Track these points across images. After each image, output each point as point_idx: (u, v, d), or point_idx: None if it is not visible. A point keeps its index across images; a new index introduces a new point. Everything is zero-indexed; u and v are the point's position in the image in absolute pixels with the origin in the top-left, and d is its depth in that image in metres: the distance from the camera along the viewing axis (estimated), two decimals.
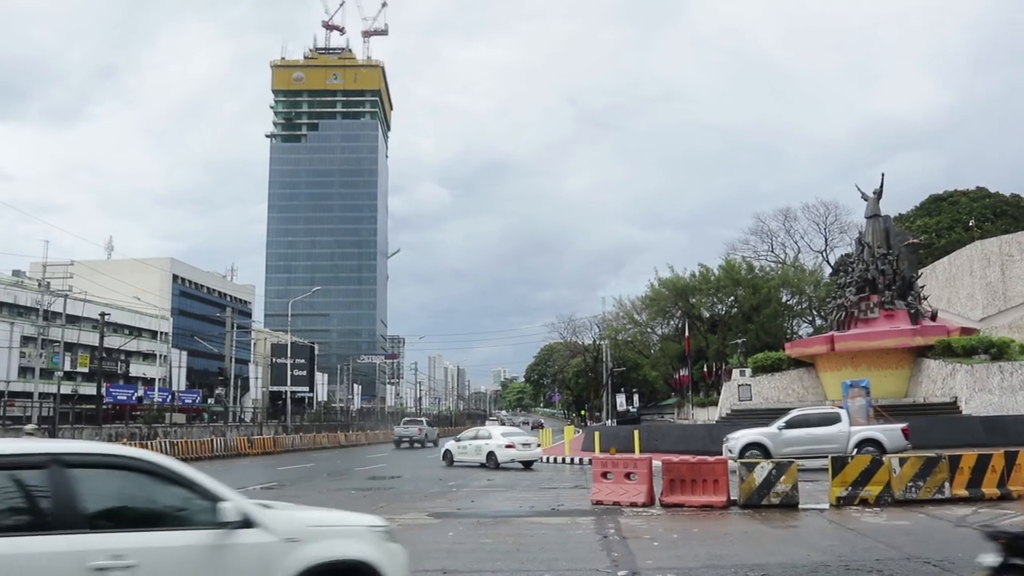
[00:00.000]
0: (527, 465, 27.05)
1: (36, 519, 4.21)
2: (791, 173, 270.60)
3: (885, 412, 23.73)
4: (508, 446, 26.84)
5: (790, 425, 21.70)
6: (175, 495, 4.71)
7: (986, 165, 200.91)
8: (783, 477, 13.14)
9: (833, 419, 21.45)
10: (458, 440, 29.85)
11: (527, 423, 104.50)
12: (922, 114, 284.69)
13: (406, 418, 62.77)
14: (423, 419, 61.32)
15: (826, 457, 19.61)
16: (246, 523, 4.74)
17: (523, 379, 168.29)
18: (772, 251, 74.89)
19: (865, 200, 36.69)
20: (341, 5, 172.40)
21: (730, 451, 21.24)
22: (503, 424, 63.88)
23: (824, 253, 72.19)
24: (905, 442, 19.94)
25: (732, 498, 13.43)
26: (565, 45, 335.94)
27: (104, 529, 4.35)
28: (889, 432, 20.50)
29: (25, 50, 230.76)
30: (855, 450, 19.95)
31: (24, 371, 59.06)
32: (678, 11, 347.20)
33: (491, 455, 26.65)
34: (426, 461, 32.11)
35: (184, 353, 78.19)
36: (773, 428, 21.96)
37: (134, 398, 63.81)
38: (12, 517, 4.17)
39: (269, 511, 5.06)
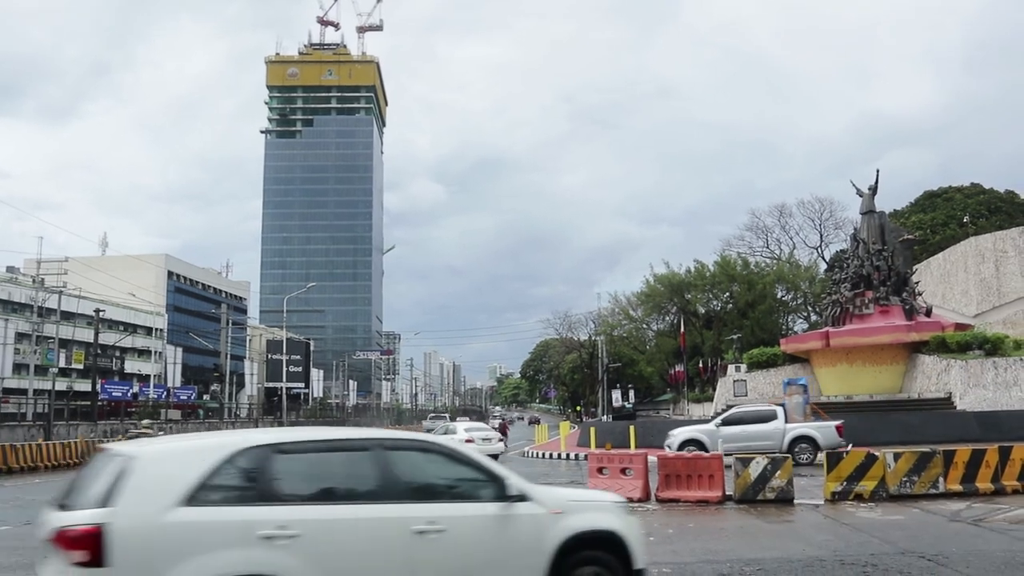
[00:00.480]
0: (493, 458, 27.44)
1: (370, 491, 5.21)
2: (787, 170, 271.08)
3: (821, 410, 24.25)
4: (468, 440, 27.93)
5: (727, 422, 22.24)
6: (467, 474, 5.67)
7: (980, 162, 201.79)
8: (778, 472, 13.17)
9: (769, 416, 21.98)
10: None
11: (522, 419, 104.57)
12: (917, 111, 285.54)
13: (432, 414, 74.84)
14: (446, 415, 73.78)
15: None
16: (522, 498, 5.62)
17: (519, 375, 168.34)
18: (767, 247, 75.09)
19: (860, 196, 36.72)
20: (336, 1, 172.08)
21: (669, 447, 21.62)
22: (504, 420, 65.42)
23: (819, 249, 72.41)
24: (839, 439, 20.41)
25: (727, 493, 13.46)
26: (561, 43, 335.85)
27: (419, 500, 5.33)
28: (823, 429, 21.04)
29: (20, 47, 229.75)
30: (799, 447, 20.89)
31: (18, 367, 58.91)
32: (674, 9, 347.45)
33: None
34: None
35: (179, 349, 78.04)
36: (711, 425, 22.57)
37: (129, 394, 63.80)
38: (353, 488, 5.26)
39: (539, 487, 5.97)
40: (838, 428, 20.95)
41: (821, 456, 16.64)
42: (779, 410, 22.48)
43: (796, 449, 20.83)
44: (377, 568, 5.03)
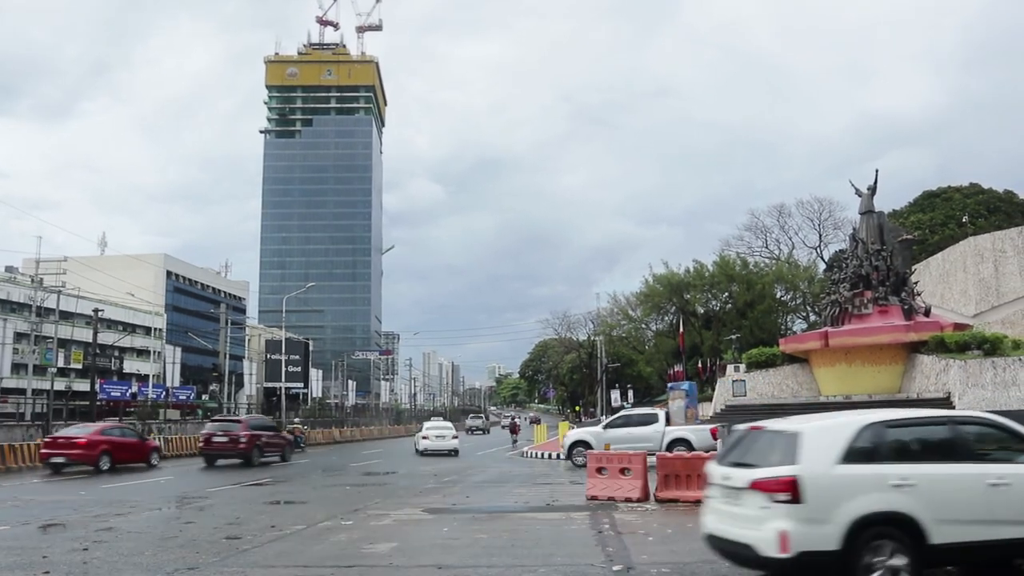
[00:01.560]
0: (453, 453, 33.26)
1: (953, 454, 6.88)
2: (786, 170, 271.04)
3: (693, 413, 26.26)
4: (424, 437, 34.19)
5: (613, 425, 24.73)
6: (1012, 442, 7.13)
7: (979, 161, 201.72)
8: None
9: (651, 419, 24.18)
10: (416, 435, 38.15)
11: (516, 418, 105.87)
12: (916, 111, 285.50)
13: (472, 414, 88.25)
14: (482, 416, 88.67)
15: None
16: None
17: (518, 375, 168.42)
18: (767, 247, 75.12)
19: (859, 196, 36.73)
20: (335, 0, 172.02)
21: (563, 447, 23.66)
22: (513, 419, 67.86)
23: (818, 249, 72.47)
24: (712, 441, 21.90)
25: None
26: (560, 42, 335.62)
27: (987, 461, 6.97)
28: (699, 432, 23.04)
29: (16, 46, 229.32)
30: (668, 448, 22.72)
31: (17, 367, 58.85)
32: (673, 8, 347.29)
33: (416, 444, 34.89)
34: (422, 458, 32.15)
35: (178, 349, 77.94)
36: (598, 427, 24.92)
37: (128, 394, 63.75)
38: (942, 452, 6.93)
39: None
40: (712, 431, 22.46)
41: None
42: (661, 414, 24.82)
43: (674, 451, 21.96)
44: (967, 509, 6.60)
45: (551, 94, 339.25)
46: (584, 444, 23.76)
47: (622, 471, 14.43)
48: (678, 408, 25.82)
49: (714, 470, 7.41)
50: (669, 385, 28.35)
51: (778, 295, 70.56)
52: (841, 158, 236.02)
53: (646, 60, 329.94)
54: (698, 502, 13.17)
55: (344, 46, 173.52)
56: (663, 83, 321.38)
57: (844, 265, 37.16)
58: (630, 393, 74.71)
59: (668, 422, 24.43)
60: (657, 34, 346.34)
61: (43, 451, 23.94)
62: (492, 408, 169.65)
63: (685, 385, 28.00)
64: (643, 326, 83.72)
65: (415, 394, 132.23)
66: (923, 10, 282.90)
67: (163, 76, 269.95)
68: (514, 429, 46.72)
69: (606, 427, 24.74)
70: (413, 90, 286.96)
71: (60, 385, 56.21)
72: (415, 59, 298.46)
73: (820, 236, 71.77)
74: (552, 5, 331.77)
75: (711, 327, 70.89)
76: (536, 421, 73.05)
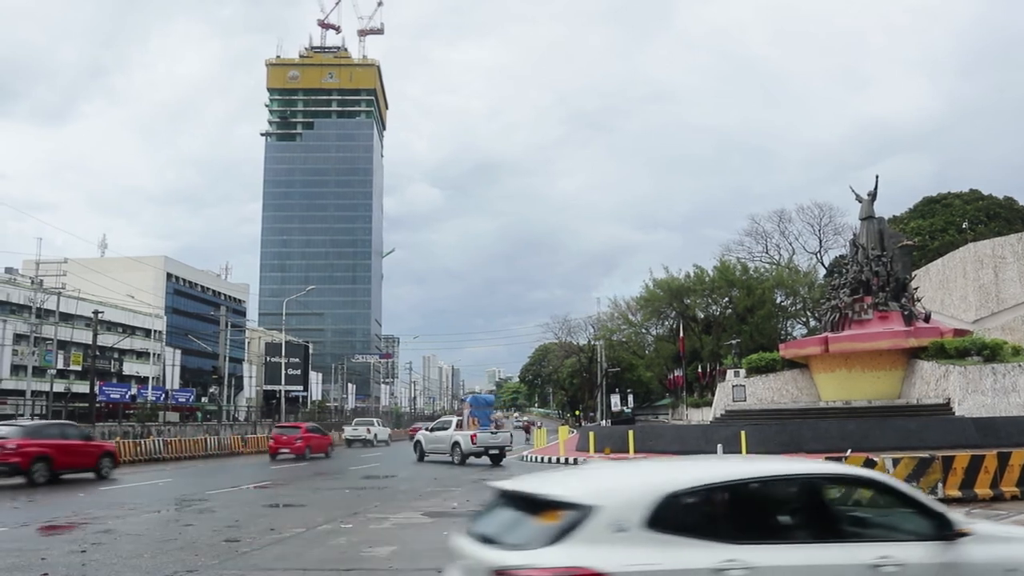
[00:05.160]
0: (455, 446, 41.57)
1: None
2: (784, 175, 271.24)
3: (476, 421, 31.64)
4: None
5: (432, 429, 31.22)
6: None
7: (977, 167, 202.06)
8: None
9: (447, 426, 30.54)
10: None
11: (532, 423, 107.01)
12: (913, 117, 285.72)
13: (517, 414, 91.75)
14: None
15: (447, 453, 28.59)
16: None
17: (517, 379, 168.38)
18: (767, 252, 75.21)
19: (859, 202, 36.77)
20: (337, 4, 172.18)
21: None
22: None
23: (818, 254, 72.58)
24: (472, 445, 27.73)
25: None
26: (556, 47, 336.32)
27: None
28: (464, 437, 28.13)
29: (13, 49, 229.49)
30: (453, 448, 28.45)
31: (16, 369, 58.88)
32: (668, 13, 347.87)
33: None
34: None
35: (178, 352, 77.96)
36: (425, 431, 31.53)
37: (128, 396, 63.69)
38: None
39: None
40: (472, 437, 27.94)
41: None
42: (454, 421, 31.00)
43: (454, 452, 28.11)
44: None
45: (548, 98, 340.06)
46: (419, 443, 30.68)
47: None
48: (467, 415, 31.12)
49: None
50: (462, 396, 35.50)
51: (778, 300, 70.63)
52: (839, 163, 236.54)
53: (642, 64, 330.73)
54: None
55: (346, 50, 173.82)
56: (659, 87, 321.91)
57: (844, 270, 37.21)
58: (630, 398, 74.72)
59: (460, 428, 29.63)
60: (652, 39, 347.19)
61: None
62: (496, 411, 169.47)
63: (469, 398, 34.70)
64: (643, 331, 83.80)
65: (415, 398, 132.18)
66: (918, 16, 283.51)
67: (160, 79, 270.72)
68: (527, 430, 53.23)
69: (430, 430, 30.89)
70: (411, 94, 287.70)
71: (59, 387, 56.21)
72: (413, 63, 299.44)
73: (820, 241, 71.99)
74: (548, 10, 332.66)
75: (711, 332, 70.90)
76: (527, 430, 70.83)
